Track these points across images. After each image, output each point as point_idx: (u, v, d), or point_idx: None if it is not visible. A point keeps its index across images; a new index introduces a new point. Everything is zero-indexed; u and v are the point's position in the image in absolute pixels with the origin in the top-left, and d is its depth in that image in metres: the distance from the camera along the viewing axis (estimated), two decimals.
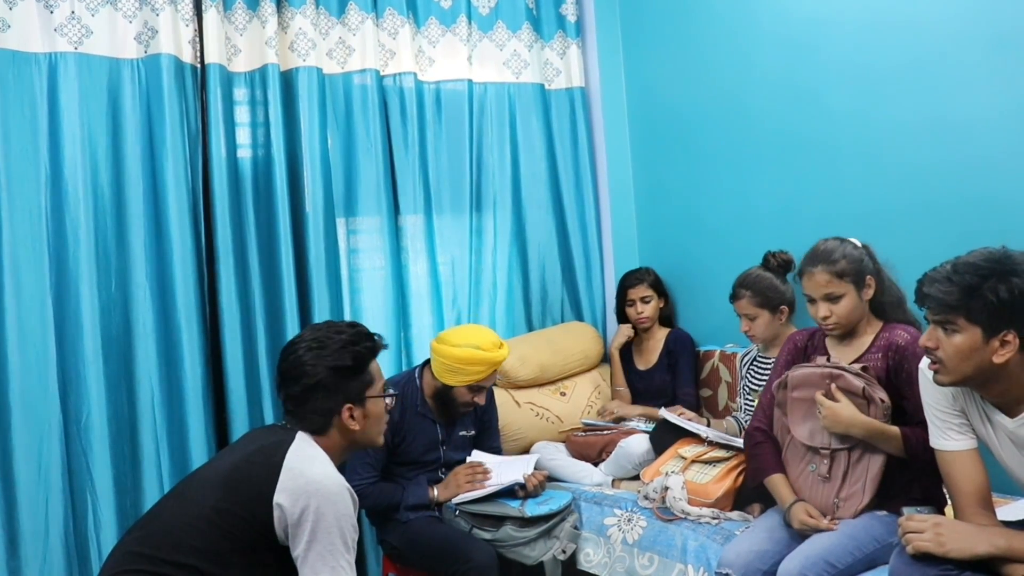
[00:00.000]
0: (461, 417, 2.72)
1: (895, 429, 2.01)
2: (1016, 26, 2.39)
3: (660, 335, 3.27)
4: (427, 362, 2.70)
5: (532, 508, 2.54)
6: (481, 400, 2.64)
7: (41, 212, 2.51)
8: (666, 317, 3.33)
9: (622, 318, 3.35)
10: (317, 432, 1.85)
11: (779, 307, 2.68)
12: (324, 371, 1.83)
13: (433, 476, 2.68)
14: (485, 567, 2.39)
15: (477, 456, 2.72)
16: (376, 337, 1.92)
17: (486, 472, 2.61)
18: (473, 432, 2.81)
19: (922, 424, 1.90)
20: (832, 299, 2.14)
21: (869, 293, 2.15)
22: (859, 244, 2.20)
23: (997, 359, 1.59)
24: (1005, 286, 1.55)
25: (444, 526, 2.57)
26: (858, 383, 2.04)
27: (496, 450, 2.85)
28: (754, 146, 3.12)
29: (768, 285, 2.69)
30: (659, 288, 3.28)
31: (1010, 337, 1.57)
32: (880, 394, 2.03)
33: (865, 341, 2.16)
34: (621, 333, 3.33)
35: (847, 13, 2.79)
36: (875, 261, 2.19)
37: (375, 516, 2.69)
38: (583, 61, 3.61)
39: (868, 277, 2.14)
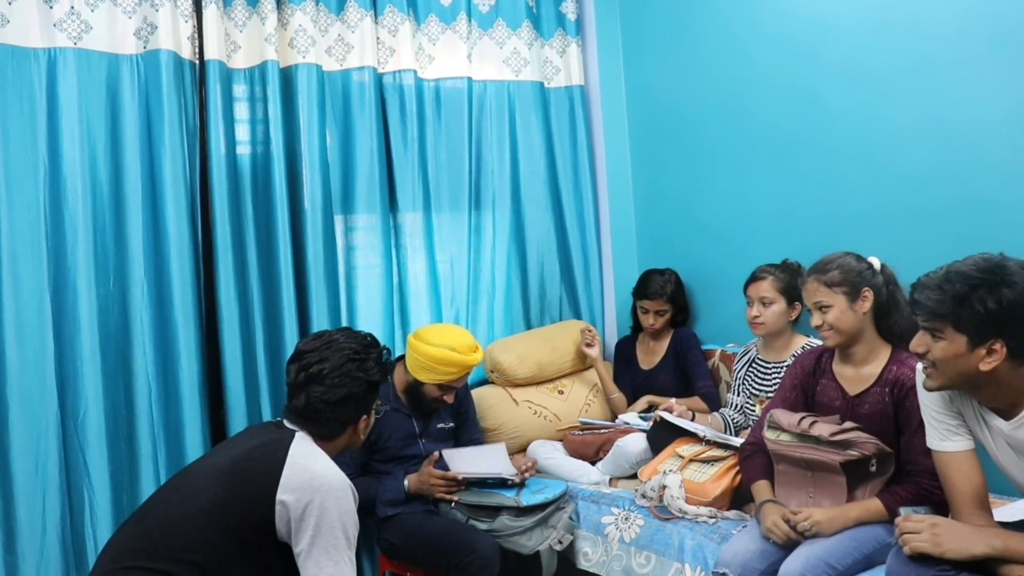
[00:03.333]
0: (433, 411, 2.74)
1: (878, 504, 2.05)
2: (1016, 27, 2.39)
3: (666, 336, 3.26)
4: (400, 358, 2.73)
5: (528, 497, 2.55)
6: (450, 399, 2.67)
7: (39, 208, 2.50)
8: (679, 323, 3.30)
9: (634, 317, 3.34)
10: (326, 437, 1.88)
11: (794, 302, 2.69)
12: (363, 385, 1.89)
13: (414, 470, 2.67)
14: (489, 557, 2.40)
15: (449, 453, 2.68)
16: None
17: (460, 485, 2.57)
18: (452, 424, 2.82)
19: (911, 472, 2.01)
20: (822, 308, 2.17)
21: (865, 306, 2.15)
22: (871, 260, 2.21)
23: (984, 367, 1.61)
24: (993, 297, 1.57)
25: (442, 519, 2.57)
26: (835, 458, 2.06)
27: (477, 442, 2.87)
28: (753, 145, 3.13)
29: (792, 275, 2.69)
30: (676, 298, 3.24)
31: (997, 346, 1.59)
32: (860, 450, 2.05)
33: (872, 372, 2.17)
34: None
35: (847, 14, 2.80)
36: (890, 281, 2.19)
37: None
38: (583, 59, 3.60)
39: (864, 290, 2.15)
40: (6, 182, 2.45)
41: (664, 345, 3.24)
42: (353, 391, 1.87)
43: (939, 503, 1.87)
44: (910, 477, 2.04)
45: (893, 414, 2.09)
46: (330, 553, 1.70)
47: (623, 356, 3.36)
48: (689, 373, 3.14)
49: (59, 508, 2.47)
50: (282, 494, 1.70)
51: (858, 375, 2.19)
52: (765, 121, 3.08)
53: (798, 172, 2.99)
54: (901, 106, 2.67)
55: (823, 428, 2.09)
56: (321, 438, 1.87)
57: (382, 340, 2.46)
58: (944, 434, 1.79)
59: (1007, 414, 1.69)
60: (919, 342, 1.69)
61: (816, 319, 2.19)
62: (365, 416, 1.95)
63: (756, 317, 2.70)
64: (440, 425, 2.78)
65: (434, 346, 2.59)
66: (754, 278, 2.74)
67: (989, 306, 1.57)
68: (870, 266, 2.20)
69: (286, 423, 1.90)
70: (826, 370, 2.26)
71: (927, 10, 2.59)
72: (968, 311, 1.59)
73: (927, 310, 1.65)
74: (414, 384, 2.66)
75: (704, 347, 3.24)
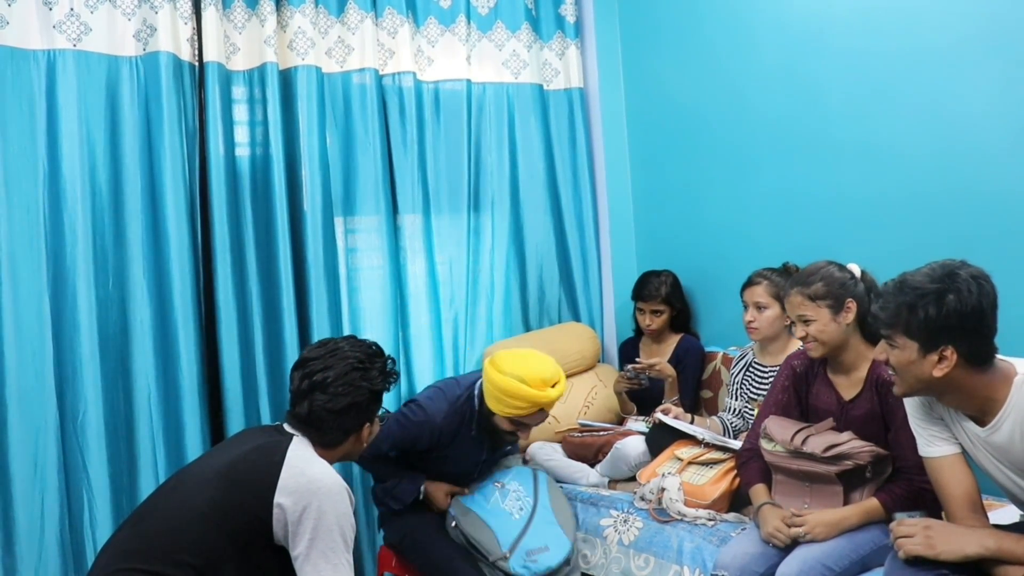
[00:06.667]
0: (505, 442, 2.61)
1: (875, 504, 2.05)
2: (1019, 17, 2.39)
3: (672, 340, 3.25)
4: None
5: (518, 563, 2.40)
6: (525, 436, 2.49)
7: (39, 209, 2.50)
8: (680, 323, 3.29)
9: (635, 319, 3.34)
10: (327, 445, 1.88)
11: None
12: (366, 394, 1.89)
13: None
14: None
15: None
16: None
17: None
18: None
19: (903, 469, 2.02)
20: (805, 320, 2.17)
21: (848, 317, 2.15)
22: (853, 269, 2.21)
23: (937, 372, 1.65)
24: (936, 305, 1.62)
25: (446, 541, 2.52)
26: (831, 469, 2.07)
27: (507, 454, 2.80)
28: (753, 147, 3.13)
29: (786, 281, 2.68)
30: (673, 299, 3.23)
31: (948, 352, 1.64)
32: (855, 460, 2.05)
33: (861, 375, 2.18)
34: (621, 381, 3.16)
35: (847, 20, 2.80)
36: (871, 287, 2.19)
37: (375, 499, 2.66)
38: (582, 62, 3.61)
39: (848, 301, 2.15)
40: (5, 184, 2.45)
41: (668, 349, 3.23)
42: (356, 400, 1.87)
43: (933, 500, 1.88)
44: (902, 474, 2.05)
45: (881, 412, 2.10)
46: (328, 556, 1.70)
47: (627, 358, 3.35)
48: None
49: (58, 510, 2.48)
50: (279, 497, 1.70)
51: (850, 380, 2.20)
52: (764, 123, 3.08)
53: (798, 175, 2.99)
54: (903, 104, 2.67)
55: (816, 443, 2.09)
56: (322, 446, 1.87)
57: (384, 343, 2.46)
58: (929, 440, 1.82)
59: (980, 421, 1.71)
60: (880, 349, 1.77)
61: (799, 331, 2.20)
62: (368, 424, 1.94)
63: (751, 322, 2.70)
64: (508, 451, 2.73)
65: (503, 374, 2.35)
66: (749, 283, 2.74)
67: (931, 313, 1.63)
68: (852, 275, 2.20)
69: (286, 427, 1.89)
70: (819, 374, 2.26)
71: (928, 3, 2.59)
72: (915, 318, 1.65)
73: (881, 320, 1.72)
74: (486, 412, 2.46)
75: (706, 349, 3.24)
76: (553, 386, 2.38)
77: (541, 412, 2.42)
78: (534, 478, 2.66)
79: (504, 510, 2.54)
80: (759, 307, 2.69)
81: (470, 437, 2.53)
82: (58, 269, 2.53)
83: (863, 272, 2.23)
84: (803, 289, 2.18)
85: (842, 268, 2.21)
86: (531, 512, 2.54)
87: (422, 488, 2.57)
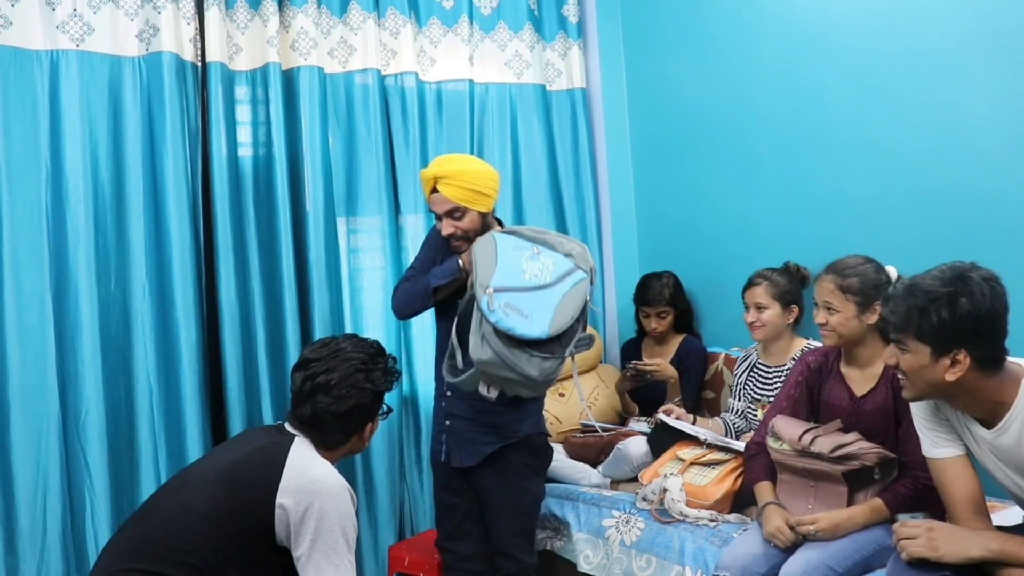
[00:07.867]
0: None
1: (879, 504, 2.05)
2: (1019, 17, 2.39)
3: (674, 341, 3.25)
4: None
5: (496, 307, 2.13)
6: (444, 231, 2.38)
7: (41, 209, 2.51)
8: (683, 324, 3.29)
9: (637, 322, 3.34)
10: (329, 446, 1.87)
11: (791, 305, 2.69)
12: (370, 395, 1.87)
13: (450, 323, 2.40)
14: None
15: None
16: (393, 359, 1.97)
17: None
18: None
19: (908, 465, 2.02)
20: (830, 308, 2.17)
21: (872, 318, 2.15)
22: (890, 271, 2.21)
23: (949, 376, 1.63)
24: (949, 309, 1.60)
25: (448, 493, 2.50)
26: (838, 468, 2.07)
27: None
28: (756, 147, 3.13)
29: (787, 280, 2.71)
30: (677, 300, 3.23)
31: (960, 356, 1.62)
32: (861, 461, 2.05)
33: (876, 371, 2.18)
34: (625, 380, 3.17)
35: (849, 20, 2.80)
36: None
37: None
38: (584, 62, 3.61)
39: (876, 303, 2.14)
40: (8, 183, 2.46)
41: (671, 349, 3.23)
42: (360, 402, 1.85)
43: (938, 499, 1.87)
44: (908, 471, 2.05)
45: (894, 408, 2.11)
46: (330, 557, 1.70)
47: (629, 359, 3.34)
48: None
49: (60, 509, 2.48)
50: (281, 498, 1.70)
51: (863, 376, 2.20)
52: (767, 123, 3.08)
53: (801, 174, 2.99)
54: (905, 103, 2.67)
55: (824, 444, 2.09)
56: (324, 447, 1.86)
57: (385, 343, 2.45)
58: (935, 441, 1.81)
59: (987, 423, 1.70)
60: (890, 354, 1.74)
61: (821, 317, 2.20)
62: (370, 423, 1.94)
63: (753, 322, 2.71)
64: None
65: None
66: (749, 284, 2.75)
67: (944, 317, 1.60)
68: (888, 279, 2.19)
69: (287, 427, 1.89)
70: (833, 370, 2.26)
71: (929, 3, 2.59)
72: (927, 322, 1.62)
73: (891, 324, 1.70)
74: None
75: (708, 350, 3.24)
76: (438, 163, 2.38)
77: (435, 195, 2.35)
78: (569, 272, 2.27)
79: (520, 266, 2.22)
80: (759, 308, 2.70)
81: (458, 255, 2.45)
82: (60, 268, 2.53)
83: (899, 276, 2.21)
84: (838, 279, 2.18)
85: (879, 269, 2.20)
86: (538, 286, 2.21)
87: (459, 260, 2.39)
